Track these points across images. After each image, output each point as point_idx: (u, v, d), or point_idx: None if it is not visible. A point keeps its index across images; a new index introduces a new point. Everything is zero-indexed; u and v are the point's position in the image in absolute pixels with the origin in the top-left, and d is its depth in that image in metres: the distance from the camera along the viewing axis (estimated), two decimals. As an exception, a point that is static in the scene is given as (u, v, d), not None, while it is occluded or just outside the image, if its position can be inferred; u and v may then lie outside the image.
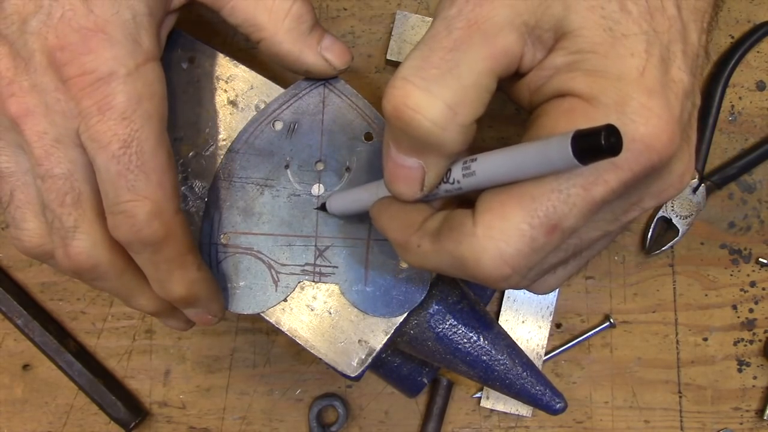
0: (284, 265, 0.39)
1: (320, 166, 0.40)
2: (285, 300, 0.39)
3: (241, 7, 0.37)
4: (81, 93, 0.32)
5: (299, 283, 0.39)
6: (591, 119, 0.27)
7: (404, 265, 0.39)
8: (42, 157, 0.34)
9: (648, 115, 0.27)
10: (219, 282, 0.39)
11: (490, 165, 0.29)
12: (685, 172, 0.30)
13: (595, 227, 0.31)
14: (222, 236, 0.40)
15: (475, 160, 0.30)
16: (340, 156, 0.40)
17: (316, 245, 0.39)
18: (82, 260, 0.35)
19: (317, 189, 0.40)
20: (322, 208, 0.39)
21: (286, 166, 0.40)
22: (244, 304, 0.39)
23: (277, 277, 0.39)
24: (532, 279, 0.31)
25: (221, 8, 0.38)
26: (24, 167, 0.36)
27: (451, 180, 0.31)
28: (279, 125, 0.40)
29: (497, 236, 0.28)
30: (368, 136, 0.40)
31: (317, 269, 0.39)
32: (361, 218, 0.39)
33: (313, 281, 0.39)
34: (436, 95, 0.28)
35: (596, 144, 0.24)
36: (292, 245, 0.39)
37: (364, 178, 0.40)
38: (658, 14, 0.29)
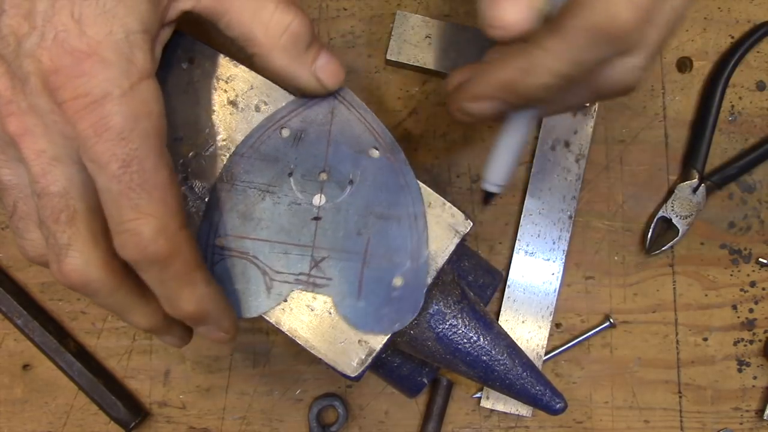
0: (279, 272, 0.39)
1: (324, 177, 0.40)
2: (278, 305, 0.39)
3: (237, 20, 0.37)
4: (76, 116, 0.32)
5: (292, 291, 0.39)
6: None
7: (398, 283, 0.39)
8: (39, 175, 0.34)
9: None
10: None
11: None
12: None
13: None
14: (219, 238, 0.40)
15: None
16: (344, 168, 0.40)
17: (312, 255, 0.39)
18: (75, 277, 0.35)
19: (318, 199, 0.40)
20: (487, 198, 0.42)
21: (290, 174, 0.40)
22: (234, 307, 0.39)
23: (271, 283, 0.39)
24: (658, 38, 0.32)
25: (218, 21, 0.37)
26: (25, 180, 0.36)
27: None
28: (286, 132, 0.40)
29: None
30: (374, 152, 0.40)
31: (311, 279, 0.39)
32: (360, 232, 0.39)
33: (306, 291, 0.39)
34: None
35: None
36: (289, 253, 0.39)
37: (366, 193, 0.39)
38: None
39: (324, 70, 0.38)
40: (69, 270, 0.35)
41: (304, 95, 0.40)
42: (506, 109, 0.34)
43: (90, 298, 0.37)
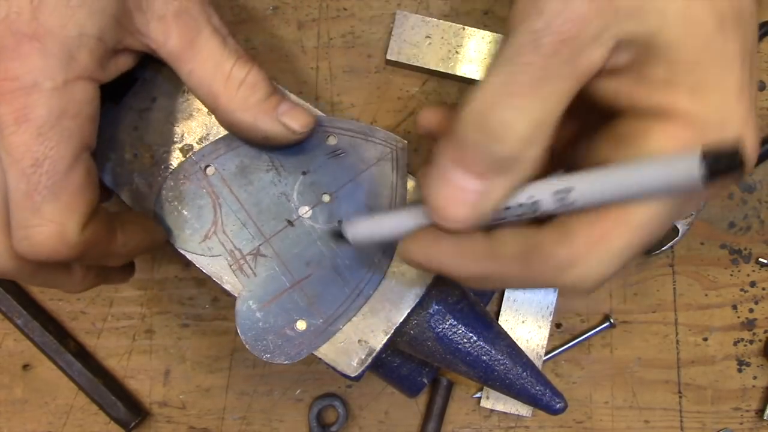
0: (224, 234, 0.40)
1: (326, 199, 0.40)
2: (203, 255, 0.39)
3: (198, 72, 0.36)
4: (0, 99, 0.32)
5: (220, 256, 0.39)
6: (701, 139, 0.27)
7: (300, 327, 0.39)
8: None
9: (749, 134, 0.28)
10: (173, 194, 0.39)
11: (593, 192, 0.28)
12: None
13: None
14: (209, 167, 0.40)
15: (572, 190, 0.29)
16: (346, 208, 0.40)
17: (259, 246, 0.39)
18: None
19: (305, 211, 0.40)
20: (338, 235, 0.37)
21: (304, 173, 0.40)
22: (170, 229, 0.40)
23: (211, 235, 0.40)
24: None
25: (179, 69, 0.37)
26: None
27: (531, 209, 0.30)
28: (332, 141, 0.40)
29: (596, 264, 0.29)
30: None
31: (241, 262, 0.39)
32: (309, 263, 0.39)
33: (229, 266, 0.39)
34: (524, 112, 0.27)
35: (732, 164, 0.24)
36: (245, 227, 0.40)
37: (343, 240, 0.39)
38: (744, 22, 0.29)
39: (288, 114, 0.37)
40: None
41: (274, 146, 0.39)
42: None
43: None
